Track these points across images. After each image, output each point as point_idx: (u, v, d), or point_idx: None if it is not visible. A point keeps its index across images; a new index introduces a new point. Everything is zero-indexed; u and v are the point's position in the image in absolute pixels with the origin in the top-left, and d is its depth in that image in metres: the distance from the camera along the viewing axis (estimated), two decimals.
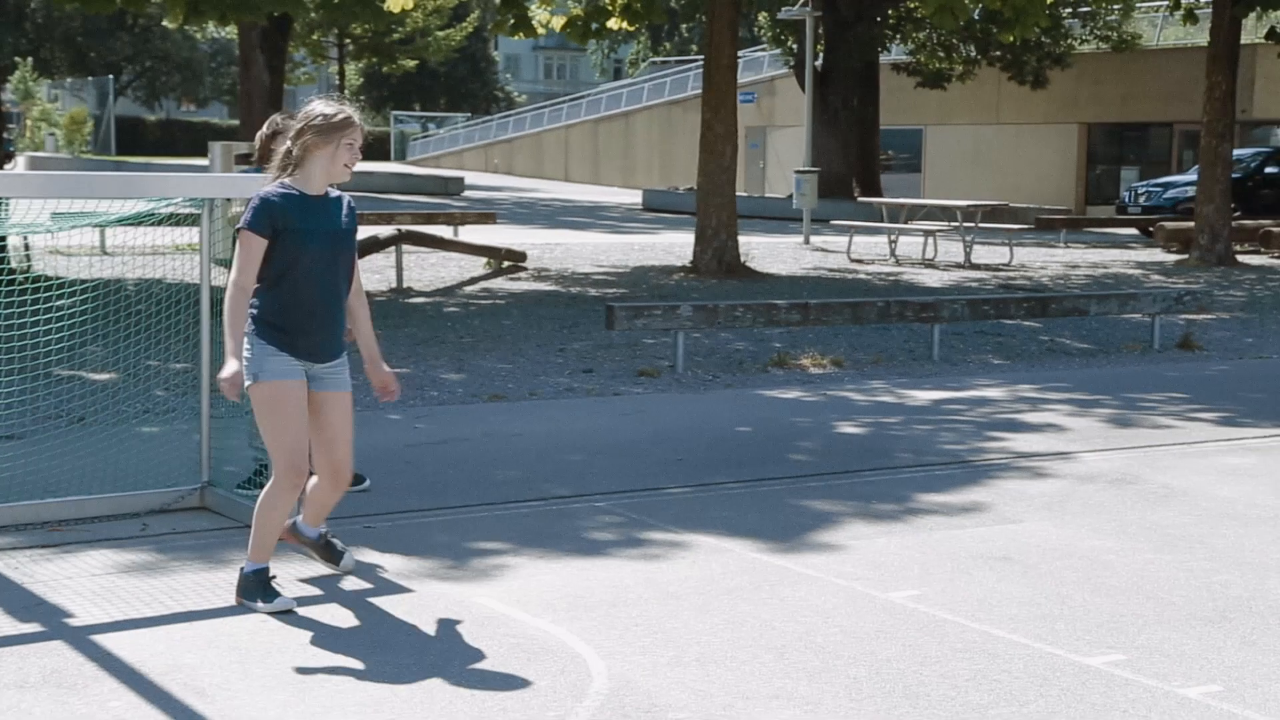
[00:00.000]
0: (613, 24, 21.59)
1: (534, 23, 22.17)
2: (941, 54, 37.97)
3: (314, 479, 5.75)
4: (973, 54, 37.78)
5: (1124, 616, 5.62)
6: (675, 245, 23.05)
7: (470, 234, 24.09)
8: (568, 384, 11.17)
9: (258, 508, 5.58)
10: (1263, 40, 26.40)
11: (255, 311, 5.46)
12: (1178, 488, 7.90)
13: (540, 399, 10.45)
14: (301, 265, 5.43)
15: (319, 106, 5.51)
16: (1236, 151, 28.48)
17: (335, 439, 5.61)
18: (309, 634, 5.27)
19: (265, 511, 5.56)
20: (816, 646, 5.23)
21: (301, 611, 5.52)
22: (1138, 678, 4.95)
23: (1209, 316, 15.74)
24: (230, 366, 5.32)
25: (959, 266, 22.56)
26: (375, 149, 66.49)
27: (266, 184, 5.54)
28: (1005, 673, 4.98)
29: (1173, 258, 25.26)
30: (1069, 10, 36.62)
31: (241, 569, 5.62)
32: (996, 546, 6.65)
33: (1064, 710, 4.66)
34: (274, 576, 5.60)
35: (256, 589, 5.53)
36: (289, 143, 5.49)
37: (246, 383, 5.42)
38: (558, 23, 22.30)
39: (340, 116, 5.47)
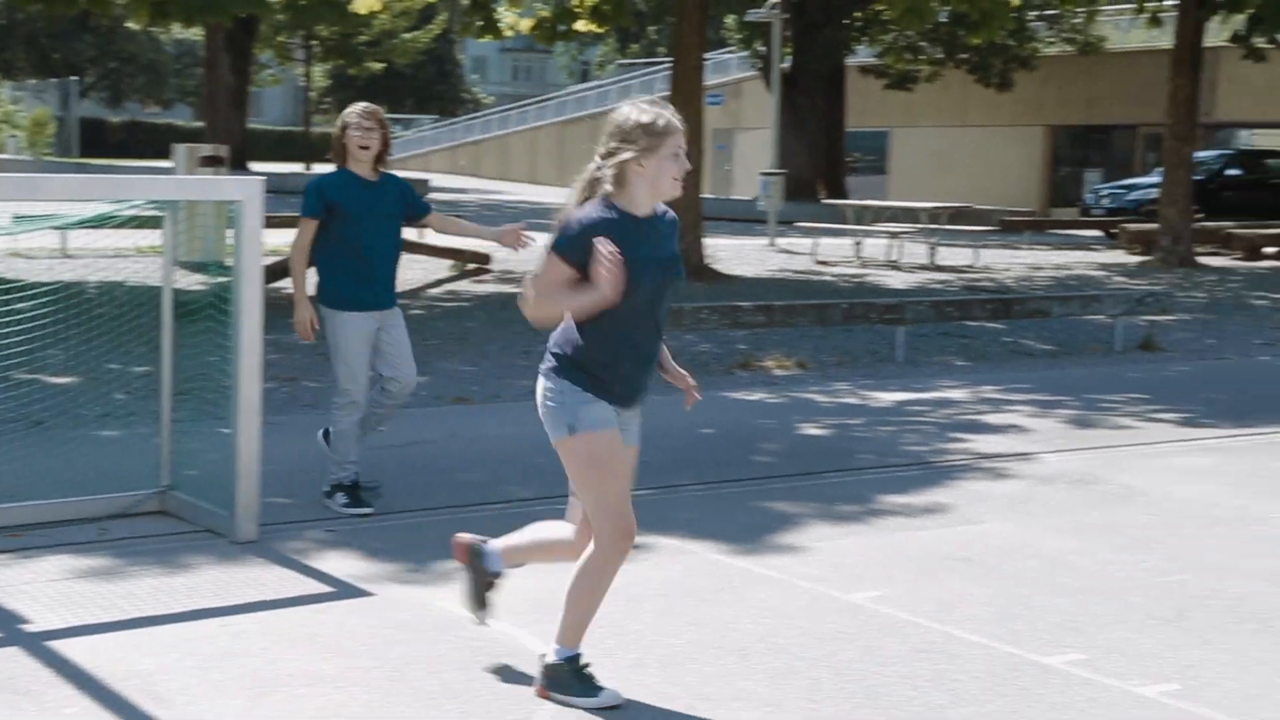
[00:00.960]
0: (580, 26, 21.57)
1: (501, 25, 22.14)
2: (908, 56, 38.11)
3: (564, 530, 4.98)
4: (939, 56, 37.94)
5: (1083, 616, 5.65)
6: None
7: (435, 236, 24.02)
8: (532, 386, 11.15)
9: (575, 579, 4.69)
10: (1226, 43, 26.62)
11: (564, 352, 4.63)
12: (1137, 488, 7.94)
13: (505, 401, 10.43)
14: (630, 300, 4.52)
15: (632, 114, 4.58)
16: (1199, 154, 28.68)
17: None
18: (268, 639, 5.24)
19: (586, 584, 4.67)
20: (778, 648, 5.24)
21: (260, 616, 5.49)
22: (1096, 677, 4.97)
23: (1170, 318, 15.83)
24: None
25: (923, 268, 22.63)
26: None
27: (572, 207, 4.60)
28: (965, 673, 5.00)
29: (1135, 259, 25.41)
30: (1035, 13, 36.82)
31: (544, 657, 4.73)
32: (958, 547, 6.67)
33: (1023, 710, 4.69)
34: (588, 665, 4.72)
35: (572, 681, 4.66)
36: (598, 160, 4.59)
37: (558, 436, 4.64)
38: (525, 25, 22.27)
39: (662, 122, 4.55)
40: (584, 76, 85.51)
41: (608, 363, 4.62)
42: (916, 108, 42.19)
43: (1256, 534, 6.97)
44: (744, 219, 33.75)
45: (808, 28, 35.01)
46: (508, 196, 46.14)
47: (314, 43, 51.84)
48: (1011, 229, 31.21)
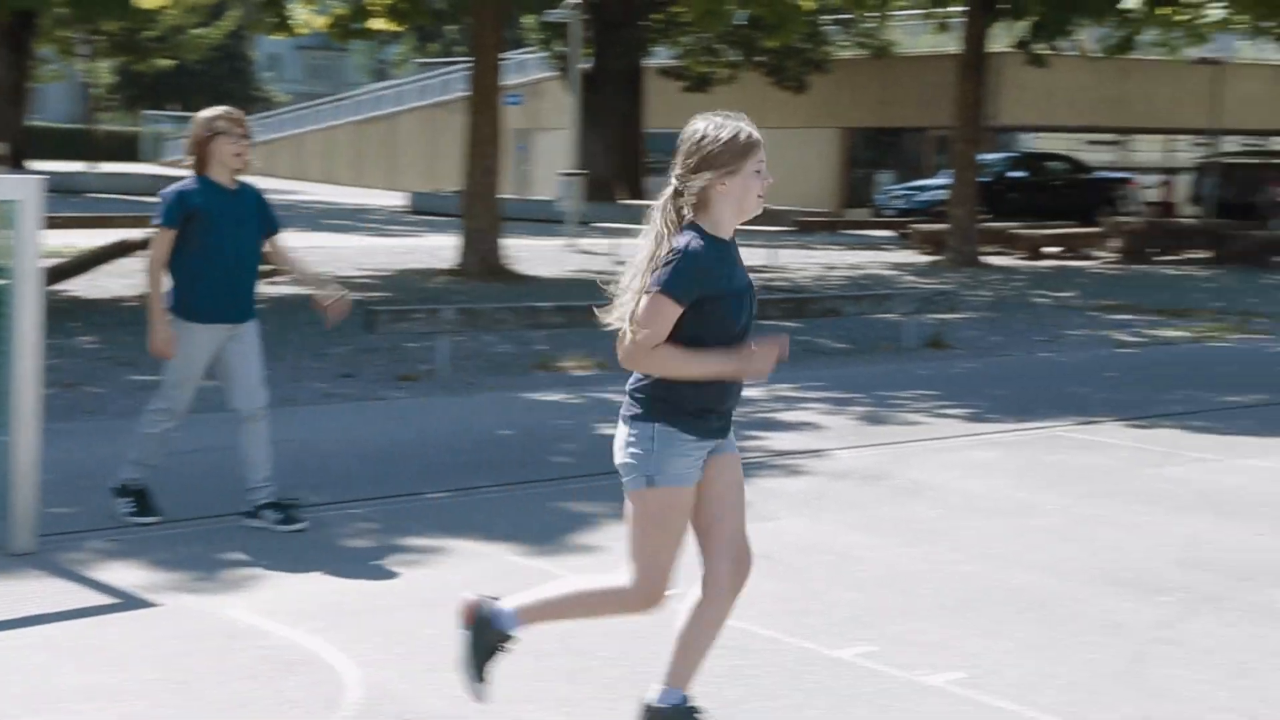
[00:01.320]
0: (376, 24, 21.34)
1: (295, 22, 21.77)
2: (706, 58, 38.55)
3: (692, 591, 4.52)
4: (737, 58, 38.44)
5: (874, 609, 5.77)
6: (440, 248, 22.90)
7: None
8: (327, 389, 10.98)
9: (594, 591, 4.49)
10: (1009, 49, 27.49)
11: (654, 395, 4.28)
12: (926, 482, 8.14)
13: (299, 405, 10.25)
14: (729, 333, 4.23)
15: (709, 129, 4.26)
16: (985, 156, 29.56)
17: (731, 510, 4.51)
18: (46, 653, 5.06)
19: (599, 602, 4.48)
20: (575, 649, 5.23)
21: (39, 630, 5.30)
22: (885, 668, 5.08)
23: (958, 316, 16.28)
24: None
25: None
26: (126, 149, 64.51)
27: (658, 239, 4.23)
28: (759, 668, 5.07)
29: (926, 259, 26.08)
30: (829, 17, 37.54)
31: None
32: (753, 544, 6.73)
33: (815, 702, 4.76)
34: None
35: None
36: (675, 183, 4.24)
37: (635, 487, 4.33)
38: (320, 22, 21.94)
39: (744, 137, 4.25)
40: (381, 75, 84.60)
41: (708, 402, 4.29)
42: (715, 109, 42.47)
43: (1037, 525, 7.20)
44: (543, 220, 33.73)
45: (606, 28, 35.17)
46: (303, 197, 45.37)
47: (98, 38, 50.27)
48: (807, 229, 31.78)
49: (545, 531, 6.90)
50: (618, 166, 36.63)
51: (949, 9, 26.61)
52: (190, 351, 6.72)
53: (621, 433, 4.35)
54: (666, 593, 4.37)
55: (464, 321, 12.11)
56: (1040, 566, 6.42)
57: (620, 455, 4.35)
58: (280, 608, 5.63)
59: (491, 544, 6.66)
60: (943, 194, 28.57)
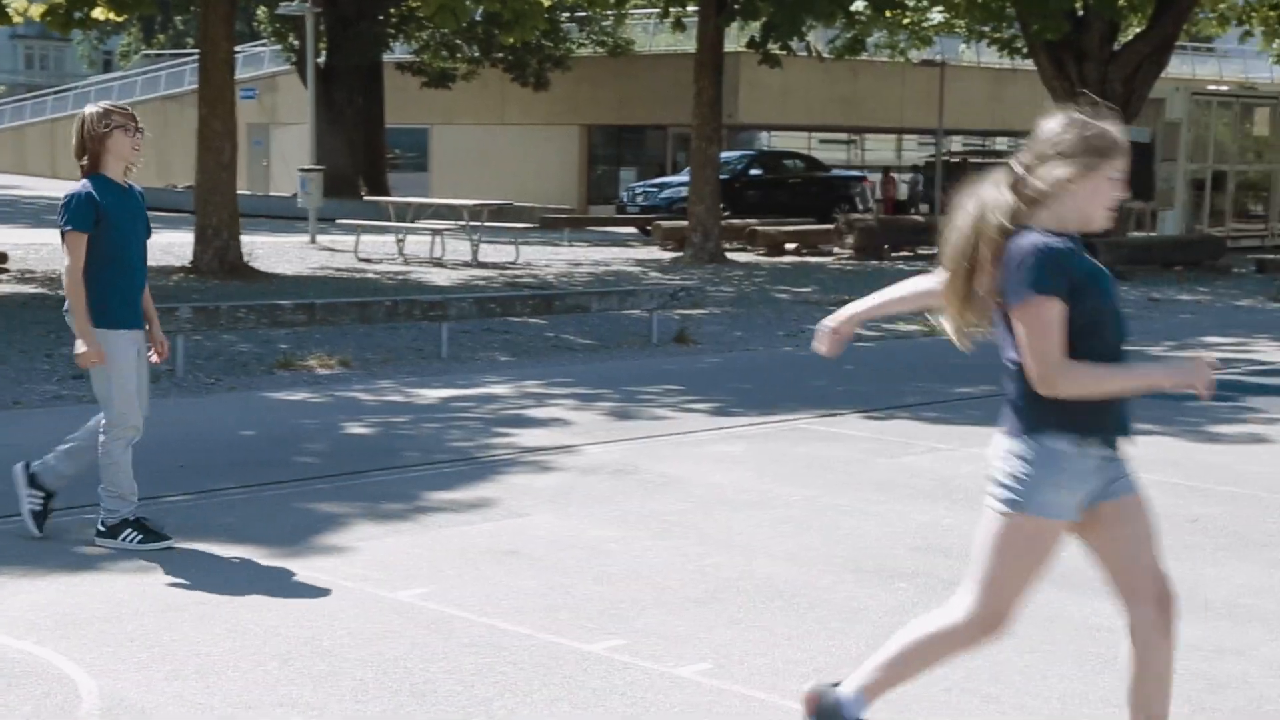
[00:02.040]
0: (99, 13, 20.48)
1: (10, 10, 20.77)
2: (445, 54, 38.30)
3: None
4: (476, 55, 38.29)
5: (623, 602, 5.81)
6: (174, 245, 22.22)
7: None
8: (56, 391, 10.54)
9: (919, 638, 4.03)
10: (744, 49, 28.01)
11: (1043, 407, 3.80)
12: (674, 476, 8.24)
13: (26, 408, 9.82)
14: (1108, 329, 3.83)
15: (1070, 123, 3.79)
16: (724, 154, 30.08)
17: (1144, 547, 3.98)
18: None
19: (928, 650, 4.03)
20: (323, 650, 5.14)
21: None
22: (635, 660, 5.12)
23: (702, 311, 16.54)
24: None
25: (467, 265, 22.80)
26: None
27: (1029, 231, 3.75)
28: (511, 664, 5.05)
29: (669, 255, 26.41)
30: (567, 15, 37.69)
31: (829, 696, 4.15)
32: (504, 541, 6.73)
33: (566, 697, 4.77)
34: None
35: None
36: (1020, 172, 3.80)
37: (1008, 510, 3.85)
38: (36, 11, 20.97)
39: (1110, 138, 3.78)
40: (107, 66, 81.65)
41: (1101, 409, 3.82)
42: (456, 105, 42.44)
43: (781, 516, 7.36)
44: (284, 216, 33.07)
45: (342, 22, 34.63)
46: (24, 191, 43.50)
47: None
48: (552, 226, 31.88)
49: (292, 533, 6.75)
50: (359, 162, 36.13)
51: (684, 8, 26.97)
52: (123, 361, 6.35)
53: (1006, 446, 3.89)
54: (1003, 627, 3.97)
55: (201, 320, 11.78)
56: (785, 556, 6.56)
57: (1003, 471, 3.88)
58: (8, 618, 5.37)
59: (236, 546, 6.49)
60: (684, 191, 28.98)
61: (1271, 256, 25.33)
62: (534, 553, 6.52)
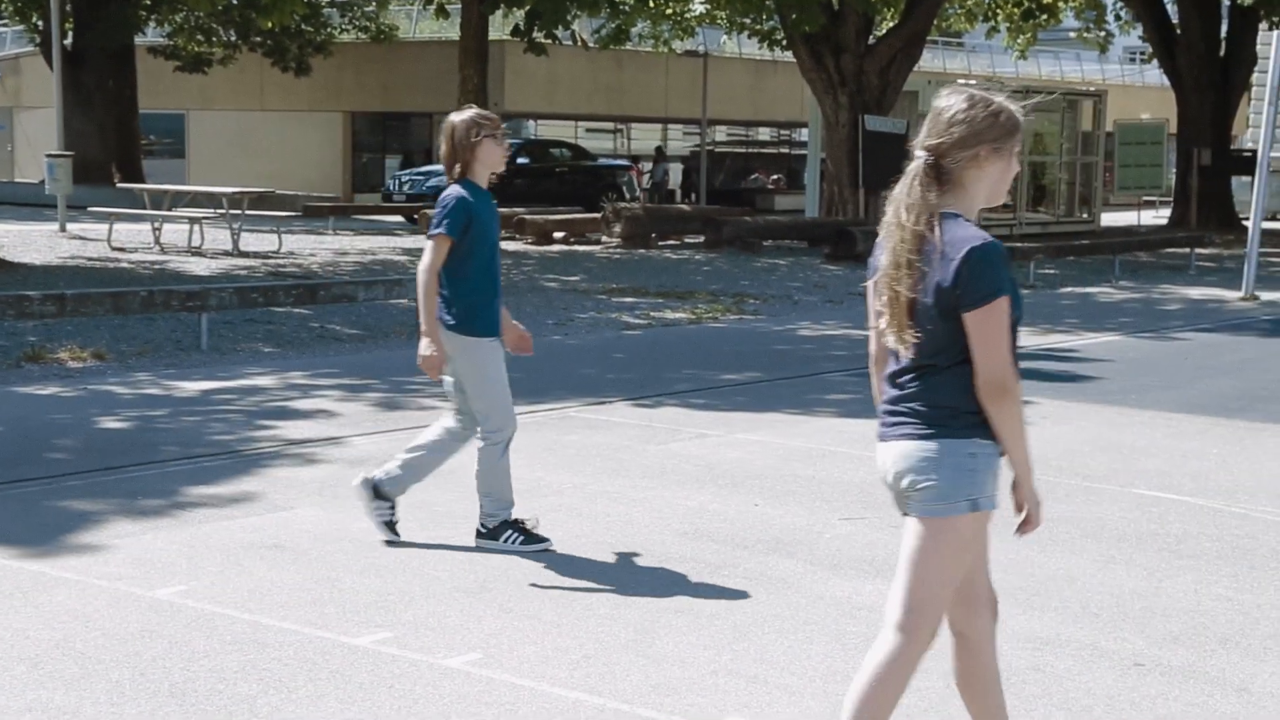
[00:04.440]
0: None
1: None
2: (200, 38, 37.25)
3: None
4: (233, 39, 37.34)
5: (392, 594, 5.74)
6: None
7: None
8: None
9: (872, 680, 3.76)
10: (510, 37, 27.95)
11: (965, 406, 3.69)
12: (445, 466, 8.15)
13: None
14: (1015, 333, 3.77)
15: (976, 100, 3.70)
16: None
17: (985, 559, 3.97)
18: None
19: (882, 686, 3.76)
20: (76, 653, 4.95)
21: None
22: (404, 653, 5.06)
23: None
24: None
25: (227, 254, 22.23)
26: None
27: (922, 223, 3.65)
28: (275, 661, 4.94)
29: None
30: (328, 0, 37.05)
31: None
32: (268, 535, 6.59)
33: (332, 692, 4.69)
34: None
35: None
36: (931, 156, 3.68)
37: (955, 512, 3.71)
38: None
39: (1018, 116, 3.73)
40: None
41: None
42: (212, 90, 41.34)
43: (552, 504, 7.35)
44: (32, 204, 31.79)
45: (90, 3, 33.42)
46: None
47: None
48: (316, 215, 31.29)
49: (42, 532, 6.49)
50: (111, 148, 34.91)
51: None
52: (496, 367, 6.50)
53: (936, 448, 3.68)
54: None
55: None
56: (555, 544, 6.56)
57: (944, 473, 3.69)
58: None
59: None
60: None
61: (1020, 244, 26.34)
62: (299, 546, 6.39)
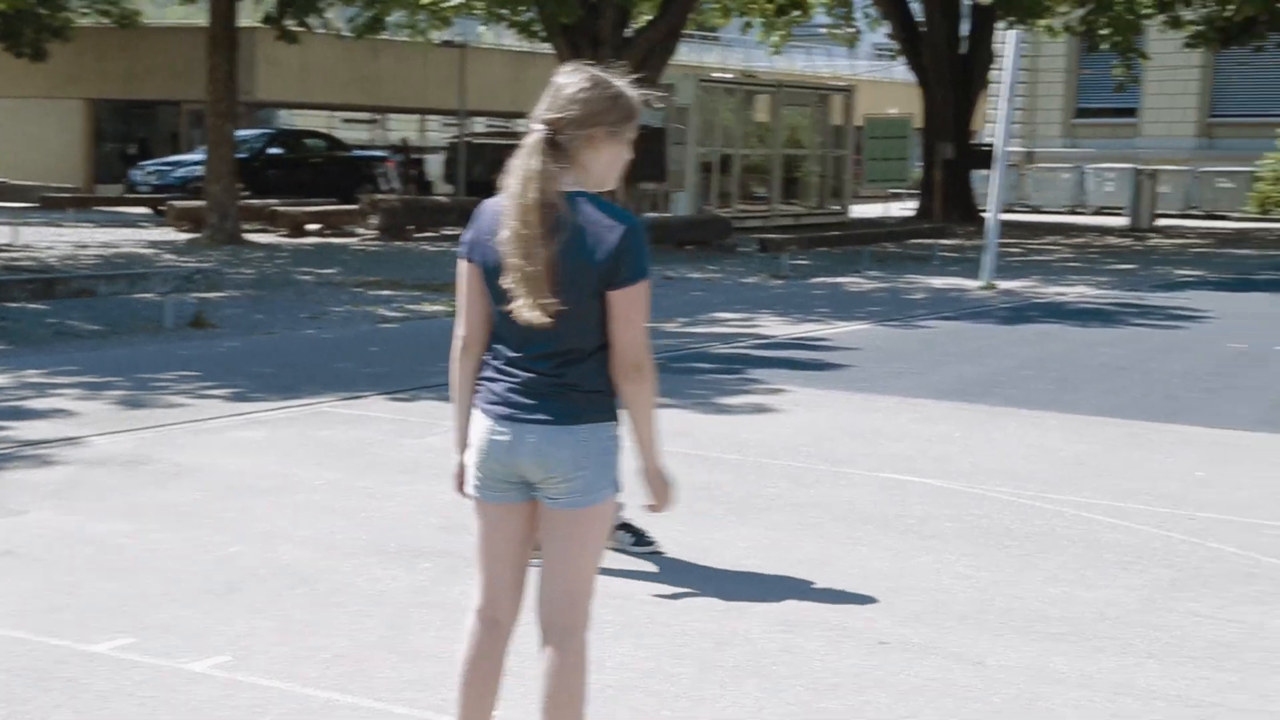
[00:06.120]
0: None
1: None
2: None
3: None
4: None
5: (133, 598, 5.54)
6: None
7: None
8: None
9: (566, 692, 3.69)
10: (261, 24, 27.31)
11: (608, 389, 3.61)
12: (190, 465, 7.94)
13: None
14: None
15: (598, 81, 3.63)
16: (242, 132, 29.27)
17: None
18: None
19: (578, 694, 3.70)
20: None
21: None
22: (145, 658, 4.89)
23: (221, 294, 16.02)
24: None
25: None
26: None
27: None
28: (6, 671, 4.73)
29: (185, 236, 25.45)
30: None
31: None
32: None
33: (68, 702, 4.51)
34: None
35: None
36: (548, 131, 3.59)
37: (604, 496, 3.64)
38: None
39: (631, 99, 3.67)
40: None
41: None
42: None
43: (304, 501, 7.21)
44: None
45: None
46: None
47: None
48: (54, 206, 30.14)
49: None
50: None
51: None
52: None
53: (590, 431, 3.58)
54: None
55: None
56: (308, 542, 6.43)
57: (595, 459, 3.59)
58: None
59: None
60: (200, 170, 28.00)
61: (774, 236, 26.86)
62: (33, 552, 6.13)
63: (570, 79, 3.62)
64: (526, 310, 3.48)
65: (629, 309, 3.51)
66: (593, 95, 3.58)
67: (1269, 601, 5.92)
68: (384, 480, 7.69)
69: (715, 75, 34.13)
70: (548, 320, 3.48)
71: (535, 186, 3.51)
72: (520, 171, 3.55)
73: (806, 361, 12.42)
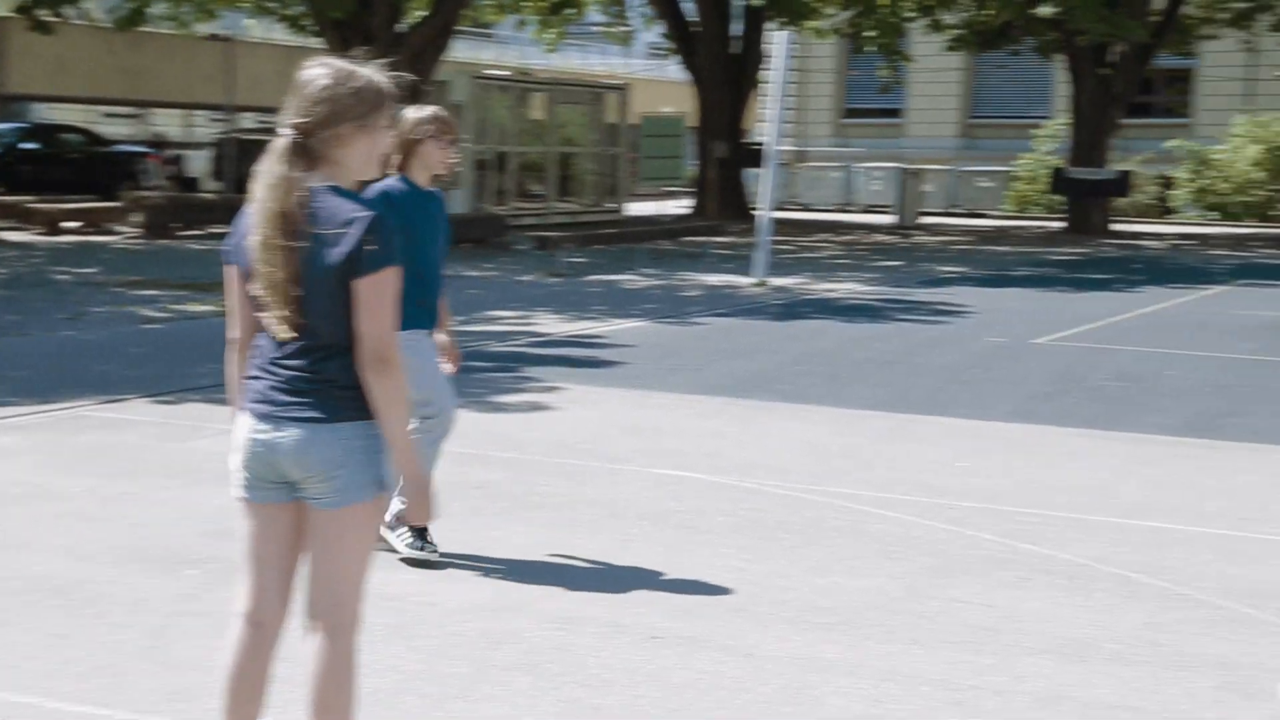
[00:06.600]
0: None
1: None
2: None
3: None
4: None
5: None
6: None
7: None
8: None
9: (333, 688, 3.65)
10: (13, 14, 26.27)
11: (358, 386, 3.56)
12: None
13: None
14: None
15: (337, 82, 3.58)
16: None
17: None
18: None
19: (344, 691, 3.66)
20: None
21: None
22: None
23: None
24: None
25: None
26: None
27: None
28: None
29: None
30: None
31: None
32: None
33: None
34: None
35: None
36: (295, 134, 3.55)
37: (367, 496, 3.57)
38: None
39: (378, 87, 3.62)
40: None
41: None
42: None
43: (61, 509, 6.94)
44: None
45: None
46: None
47: None
48: None
49: None
50: None
51: None
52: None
53: (348, 430, 3.52)
54: None
55: None
56: (63, 551, 6.20)
57: (354, 457, 3.53)
58: None
59: None
60: None
61: (550, 234, 26.89)
62: None
63: (312, 74, 3.57)
64: (273, 322, 3.51)
65: (371, 298, 3.46)
66: (336, 92, 3.53)
67: (1023, 586, 6.14)
68: (147, 486, 7.46)
69: (490, 72, 33.97)
70: (292, 334, 3.48)
71: (278, 194, 3.46)
72: (265, 178, 3.50)
73: (583, 359, 12.45)
